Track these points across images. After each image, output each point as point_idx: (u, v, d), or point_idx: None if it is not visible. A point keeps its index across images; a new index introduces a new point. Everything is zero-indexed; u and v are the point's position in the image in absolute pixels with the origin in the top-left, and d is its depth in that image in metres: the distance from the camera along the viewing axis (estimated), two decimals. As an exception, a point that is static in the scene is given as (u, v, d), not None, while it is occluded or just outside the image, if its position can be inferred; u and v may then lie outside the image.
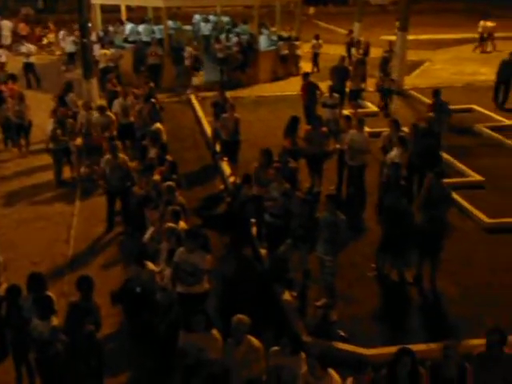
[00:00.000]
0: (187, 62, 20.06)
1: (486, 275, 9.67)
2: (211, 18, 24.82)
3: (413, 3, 22.09)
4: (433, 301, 9.15)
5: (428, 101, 18.15)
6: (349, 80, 17.35)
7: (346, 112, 15.00)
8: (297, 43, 22.93)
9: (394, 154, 11.01)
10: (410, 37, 23.63)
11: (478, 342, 7.13)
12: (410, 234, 9.18)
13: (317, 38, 23.64)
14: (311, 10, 40.44)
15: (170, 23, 22.27)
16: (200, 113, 17.54)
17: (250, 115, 16.91)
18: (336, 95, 14.68)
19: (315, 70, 22.69)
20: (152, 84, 15.70)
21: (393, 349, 6.50)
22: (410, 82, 20.87)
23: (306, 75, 16.21)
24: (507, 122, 16.72)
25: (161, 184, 9.72)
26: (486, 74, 21.33)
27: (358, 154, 11.66)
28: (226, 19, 24.94)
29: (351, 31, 24.94)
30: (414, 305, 9.05)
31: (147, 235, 8.86)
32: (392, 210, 9.19)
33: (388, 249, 9.42)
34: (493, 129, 16.05)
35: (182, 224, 8.58)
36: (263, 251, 9.93)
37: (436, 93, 13.82)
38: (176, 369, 6.73)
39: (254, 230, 10.45)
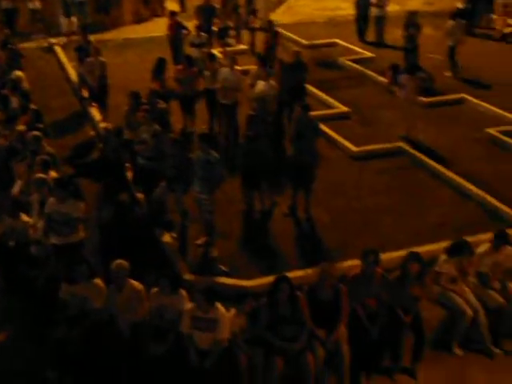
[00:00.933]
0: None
1: (354, 200, 10.21)
2: None
3: None
4: (308, 229, 9.57)
5: (294, 36, 18.59)
6: (216, 18, 17.18)
7: (214, 51, 14.90)
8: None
9: (260, 88, 11.19)
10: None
11: (352, 264, 7.62)
12: (268, 171, 9.45)
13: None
14: None
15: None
16: (63, 58, 16.75)
17: (117, 58, 16.38)
18: (203, 34, 14.54)
19: (181, 9, 22.21)
20: (7, 30, 14.76)
21: (272, 278, 6.76)
22: (275, 18, 20.95)
23: (172, 14, 15.86)
24: (368, 54, 17.36)
25: (26, 134, 9.29)
26: (347, 8, 21.86)
27: (230, 92, 11.73)
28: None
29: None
30: (291, 234, 9.40)
31: (16, 188, 8.51)
32: (251, 149, 9.41)
33: (250, 185, 9.66)
34: (355, 61, 16.63)
35: (53, 174, 8.31)
36: (140, 195, 9.85)
37: None
38: (58, 322, 6.63)
39: (130, 174, 10.33)
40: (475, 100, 14.06)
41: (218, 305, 6.39)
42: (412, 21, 15.80)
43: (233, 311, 6.60)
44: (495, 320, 7.36)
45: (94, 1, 19.94)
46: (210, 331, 6.27)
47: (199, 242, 8.88)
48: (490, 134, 12.39)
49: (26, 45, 17.22)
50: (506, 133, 12.36)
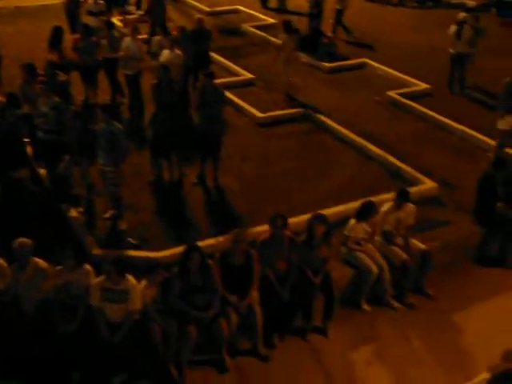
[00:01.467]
0: None
1: (262, 167, 10.27)
2: None
3: None
4: (217, 197, 9.55)
5: (195, 3, 18.32)
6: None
7: (114, 19, 14.42)
8: None
9: (165, 56, 10.99)
10: None
11: (262, 229, 7.69)
12: (184, 137, 9.38)
13: None
14: None
15: None
16: None
17: (9, 28, 15.60)
18: (101, 1, 14.03)
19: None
20: None
21: (182, 248, 6.73)
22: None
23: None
24: (270, 20, 17.36)
25: None
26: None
27: (132, 62, 11.45)
28: None
29: None
30: (200, 203, 9.35)
31: None
32: (163, 116, 9.29)
33: (160, 154, 9.54)
34: (258, 28, 16.60)
35: None
36: (42, 171, 9.49)
37: None
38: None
39: (29, 149, 9.91)
40: (376, 64, 14.38)
41: (129, 276, 6.31)
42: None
43: (144, 282, 6.52)
44: (400, 275, 7.68)
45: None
46: (121, 302, 6.20)
47: (107, 215, 8.69)
48: (390, 96, 12.74)
49: None
50: (405, 95, 12.75)
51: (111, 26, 12.11)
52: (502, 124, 10.23)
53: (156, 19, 14.50)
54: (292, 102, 12.38)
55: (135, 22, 13.89)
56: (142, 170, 9.87)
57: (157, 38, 12.11)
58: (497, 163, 8.47)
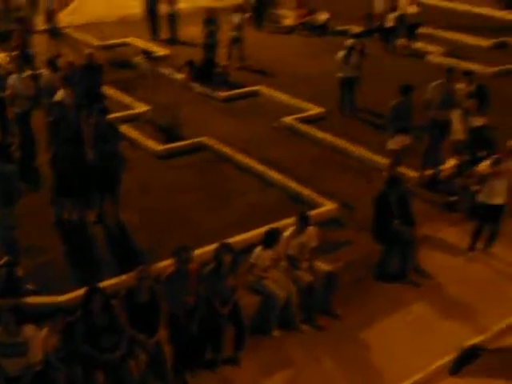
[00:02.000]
0: None
1: (162, 199, 10.17)
2: None
3: None
4: (118, 234, 9.33)
5: (86, 38, 18.02)
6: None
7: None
8: None
9: (61, 94, 10.70)
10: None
11: (167, 263, 7.56)
12: (85, 175, 9.15)
13: None
14: None
15: None
16: None
17: None
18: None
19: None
20: None
21: (83, 291, 6.50)
22: (65, 19, 20.17)
23: None
24: (162, 51, 17.33)
25: None
26: (136, 6, 21.64)
27: (20, 100, 11.07)
28: None
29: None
30: (101, 242, 9.11)
31: None
32: (63, 154, 9.03)
33: (66, 193, 9.26)
34: (151, 58, 16.48)
35: None
36: None
37: None
38: None
39: None
40: (270, 91, 14.64)
41: (27, 326, 5.99)
42: (211, 17, 16.01)
43: (45, 331, 6.22)
44: (307, 298, 7.76)
45: None
46: (20, 356, 5.86)
47: (1, 262, 8.24)
48: (286, 122, 12.99)
49: None
50: (300, 120, 13.05)
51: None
52: (392, 144, 10.64)
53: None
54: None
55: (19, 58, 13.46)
56: (36, 211, 9.49)
57: (45, 74, 11.76)
58: (390, 182, 8.77)
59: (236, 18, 16.58)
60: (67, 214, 9.46)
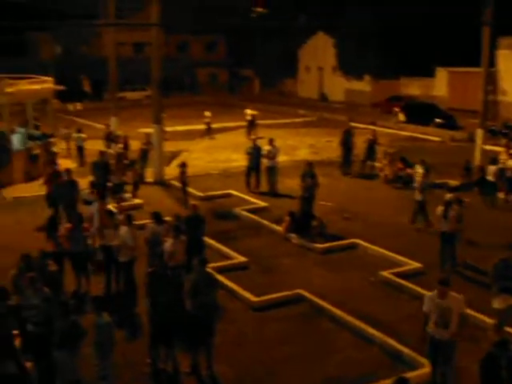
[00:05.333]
0: None
1: (258, 352, 9.98)
2: None
3: (164, 97, 23.08)
4: (210, 387, 9.18)
5: (191, 190, 18.98)
6: (110, 174, 17.32)
7: (110, 207, 14.86)
8: (52, 140, 22.47)
9: (169, 244, 11.13)
10: (168, 128, 24.68)
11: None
12: (180, 324, 9.23)
13: (79, 131, 23.78)
14: (78, 107, 40.46)
15: None
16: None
17: (8, 218, 15.94)
18: (96, 191, 14.52)
19: (79, 164, 22.54)
20: None
21: None
22: (170, 172, 21.49)
23: (67, 172, 15.70)
24: (262, 203, 17.91)
25: None
26: (238, 160, 22.80)
27: (125, 250, 11.57)
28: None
29: (108, 125, 25.25)
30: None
31: None
32: (159, 303, 9.20)
33: (160, 342, 9.32)
34: (250, 211, 17.06)
35: None
36: (29, 363, 9.14)
37: None
38: None
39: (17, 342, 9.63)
40: (367, 244, 14.59)
41: None
42: (309, 171, 16.47)
43: None
44: None
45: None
46: None
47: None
48: (383, 276, 12.77)
49: None
50: (398, 274, 12.79)
51: (111, 213, 12.40)
52: (497, 303, 10.14)
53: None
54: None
55: (128, 208, 14.31)
56: (134, 360, 9.55)
57: (151, 225, 12.33)
58: (500, 345, 8.21)
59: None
60: (162, 364, 9.45)
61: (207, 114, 30.51)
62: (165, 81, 21.22)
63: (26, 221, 16.15)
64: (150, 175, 20.67)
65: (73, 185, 15.23)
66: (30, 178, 20.69)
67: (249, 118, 30.21)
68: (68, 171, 15.74)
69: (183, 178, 18.05)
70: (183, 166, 18.18)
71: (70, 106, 40.94)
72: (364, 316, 10.95)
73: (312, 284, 12.38)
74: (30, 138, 22.12)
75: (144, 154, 20.27)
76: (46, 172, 17.42)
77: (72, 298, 10.64)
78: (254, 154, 19.58)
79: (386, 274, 12.83)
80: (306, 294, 11.88)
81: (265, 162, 19.53)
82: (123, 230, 11.61)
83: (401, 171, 20.59)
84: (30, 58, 52.70)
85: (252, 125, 29.95)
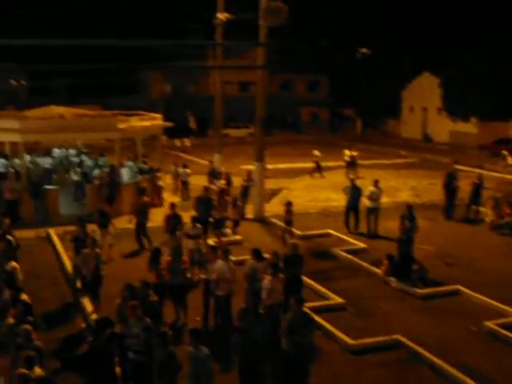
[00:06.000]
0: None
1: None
2: (56, 151, 25.36)
3: (267, 135, 23.46)
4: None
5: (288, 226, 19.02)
6: (212, 209, 17.70)
7: (210, 242, 15.18)
8: (158, 174, 23.35)
9: (267, 281, 11.20)
10: (269, 166, 25.00)
11: None
12: (274, 362, 9.21)
13: (185, 166, 24.61)
14: (186, 143, 42.05)
15: (28, 157, 22.00)
16: (60, 248, 16.95)
17: (113, 249, 16.59)
18: (199, 225, 14.88)
19: (183, 198, 23.28)
20: (8, 220, 15.04)
21: None
22: (270, 209, 21.69)
23: (172, 206, 16.25)
24: (361, 244, 17.68)
25: (16, 327, 9.10)
26: (338, 199, 22.67)
27: (223, 284, 11.73)
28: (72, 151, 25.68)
29: (211, 161, 25.93)
30: None
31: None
32: (247, 337, 9.22)
33: (251, 376, 9.32)
34: (349, 252, 16.87)
35: (37, 370, 7.99)
36: (129, 392, 9.42)
37: None
38: None
39: (119, 369, 9.95)
40: (470, 292, 14.02)
41: None
42: (409, 213, 16.10)
43: None
44: None
45: (97, 191, 20.68)
46: None
47: None
48: (487, 326, 12.19)
49: (25, 233, 17.49)
50: (503, 326, 12.17)
51: (214, 248, 12.66)
52: None
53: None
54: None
55: (229, 244, 14.53)
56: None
57: (250, 261, 12.45)
58: None
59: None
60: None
61: (316, 153, 30.54)
62: (268, 119, 21.59)
63: (130, 251, 16.77)
64: (250, 212, 20.96)
65: (176, 218, 15.68)
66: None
67: (347, 158, 30.18)
68: (173, 205, 16.25)
69: (288, 216, 18.06)
70: (289, 205, 18.19)
71: (178, 142, 42.36)
72: (464, 367, 10.48)
73: (411, 330, 12.01)
74: (139, 171, 23.11)
75: (245, 191, 20.62)
76: (135, 203, 18.12)
77: (170, 328, 10.84)
78: (353, 194, 19.43)
79: (490, 324, 12.23)
80: (405, 340, 11.54)
81: (367, 202, 19.31)
82: (220, 263, 11.80)
83: (508, 216, 19.75)
84: (141, 96, 55.37)
85: (352, 165, 29.84)
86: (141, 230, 17.30)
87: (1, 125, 21.47)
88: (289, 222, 18.04)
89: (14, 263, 12.16)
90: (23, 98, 50.58)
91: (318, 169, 30.38)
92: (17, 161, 22.01)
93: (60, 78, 51.74)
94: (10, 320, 9.42)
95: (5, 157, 23.30)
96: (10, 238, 13.41)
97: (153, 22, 51.69)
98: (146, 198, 18.61)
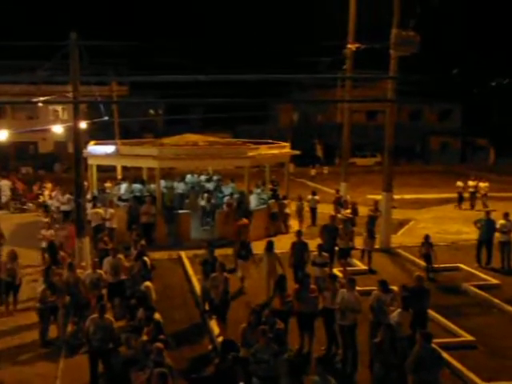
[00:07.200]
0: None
1: None
2: (188, 177, 26.48)
3: (395, 165, 23.14)
4: None
5: (415, 258, 18.59)
6: (338, 238, 17.68)
7: (335, 270, 15.17)
8: (285, 202, 23.69)
9: (396, 314, 11.03)
10: (396, 196, 24.59)
11: None
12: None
13: (313, 193, 24.90)
14: (325, 171, 42.51)
15: (163, 182, 23.15)
16: (190, 271, 17.62)
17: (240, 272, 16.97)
18: (325, 254, 14.92)
19: (309, 224, 23.47)
20: (143, 242, 15.87)
21: None
22: (396, 240, 21.30)
23: (298, 233, 16.37)
24: (493, 280, 16.89)
25: (148, 345, 9.59)
26: (469, 232, 21.83)
27: (349, 314, 11.66)
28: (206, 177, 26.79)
29: (338, 191, 25.94)
30: None
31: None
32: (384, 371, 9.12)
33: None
34: (480, 287, 16.17)
35: (169, 388, 8.37)
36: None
37: None
38: None
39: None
40: None
41: None
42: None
43: None
44: None
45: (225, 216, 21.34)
46: None
47: None
48: None
49: (157, 255, 18.37)
50: None
51: (334, 277, 12.66)
52: None
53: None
54: None
55: (354, 273, 14.42)
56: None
57: (376, 292, 12.24)
58: None
59: None
60: None
61: (459, 183, 29.76)
62: (395, 148, 21.32)
63: (259, 276, 16.89)
64: (376, 242, 20.66)
65: (303, 246, 15.81)
66: (267, 235, 21.75)
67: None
68: (299, 233, 16.39)
69: (426, 250, 17.58)
70: (427, 238, 17.63)
71: (313, 171, 42.49)
72: None
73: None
74: (270, 197, 23.64)
75: (372, 221, 20.40)
76: (235, 224, 18.54)
77: (296, 356, 10.93)
78: (486, 227, 18.63)
79: None
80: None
81: (498, 236, 18.47)
82: (344, 293, 11.73)
83: None
84: (270, 125, 56.50)
85: (473, 197, 29.21)
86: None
87: (141, 152, 22.86)
88: (425, 257, 17.49)
89: (148, 283, 12.81)
90: (160, 126, 53.26)
91: (461, 200, 29.41)
92: (153, 186, 23.23)
93: (195, 108, 54.05)
94: (144, 337, 9.94)
95: (142, 182, 24.68)
96: (145, 258, 14.14)
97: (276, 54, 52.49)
98: (245, 220, 18.91)
